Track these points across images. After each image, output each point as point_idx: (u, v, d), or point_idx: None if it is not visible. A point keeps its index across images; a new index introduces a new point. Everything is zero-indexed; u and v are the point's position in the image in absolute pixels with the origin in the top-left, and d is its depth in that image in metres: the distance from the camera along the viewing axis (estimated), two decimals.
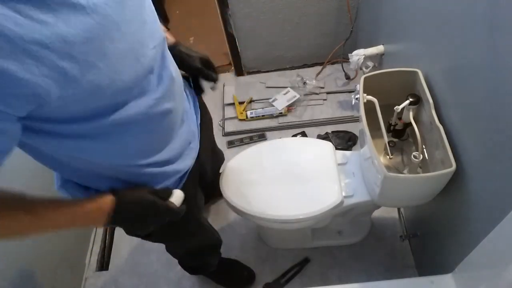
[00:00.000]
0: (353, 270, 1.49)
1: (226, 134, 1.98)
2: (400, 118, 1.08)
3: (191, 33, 2.46)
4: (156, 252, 1.61)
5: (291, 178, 1.22)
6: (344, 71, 2.05)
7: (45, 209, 0.60)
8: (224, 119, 2.02)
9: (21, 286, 1.24)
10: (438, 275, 0.88)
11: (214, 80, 0.94)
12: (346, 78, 2.05)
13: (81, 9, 0.48)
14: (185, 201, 0.78)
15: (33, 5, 0.43)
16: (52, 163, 0.66)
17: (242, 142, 1.92)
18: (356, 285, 0.90)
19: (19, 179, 1.24)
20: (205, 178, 1.19)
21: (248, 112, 2.00)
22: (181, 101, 0.78)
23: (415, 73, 1.05)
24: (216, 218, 1.69)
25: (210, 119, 1.18)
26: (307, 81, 2.03)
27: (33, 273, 1.31)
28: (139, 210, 0.71)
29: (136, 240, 1.62)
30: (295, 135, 1.90)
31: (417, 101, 1.02)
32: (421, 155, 1.00)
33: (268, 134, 1.95)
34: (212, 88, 0.94)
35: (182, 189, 0.85)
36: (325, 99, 2.00)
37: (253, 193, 1.20)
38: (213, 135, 1.27)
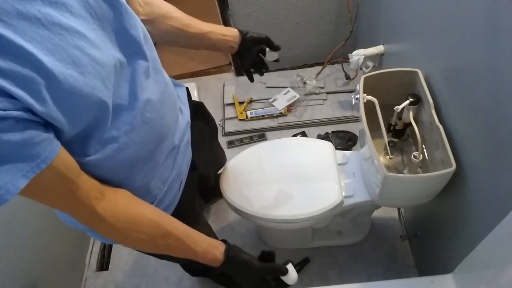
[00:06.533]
0: (353, 270, 1.49)
1: (226, 134, 1.98)
2: (400, 118, 1.08)
3: None
4: None
5: (291, 178, 1.22)
6: (344, 71, 2.05)
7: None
8: (224, 119, 2.02)
9: (21, 285, 1.24)
10: (438, 275, 0.88)
11: (279, 48, 0.99)
12: (346, 78, 2.05)
13: None
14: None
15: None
16: None
17: (242, 142, 1.92)
18: (356, 285, 0.90)
19: None
20: (209, 185, 1.19)
21: (248, 112, 2.00)
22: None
23: (415, 73, 1.05)
24: (216, 218, 1.69)
25: (215, 128, 1.19)
26: (307, 81, 2.03)
27: (33, 273, 1.31)
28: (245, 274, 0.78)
29: None
30: (295, 135, 1.90)
31: (417, 101, 1.02)
32: (421, 155, 0.99)
33: (268, 134, 1.95)
34: (276, 61, 1.02)
35: (180, 199, 0.85)
36: (325, 99, 2.00)
37: (253, 193, 1.20)
38: (216, 143, 1.26)
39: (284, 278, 0.80)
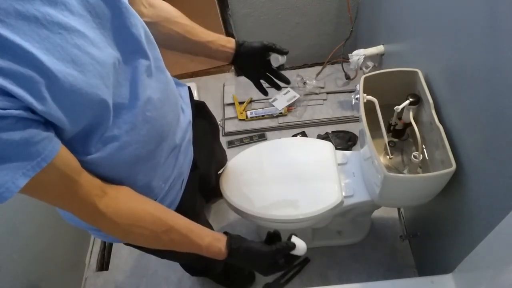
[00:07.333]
0: (353, 270, 1.49)
1: (226, 134, 1.98)
2: (400, 118, 1.08)
3: None
4: None
5: (291, 178, 1.22)
6: (344, 71, 2.05)
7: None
8: (224, 119, 2.02)
9: (21, 285, 1.24)
10: (438, 275, 0.88)
11: (286, 51, 0.91)
12: (346, 78, 2.05)
13: None
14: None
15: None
16: None
17: (242, 142, 1.92)
18: (356, 285, 0.89)
19: None
20: (210, 184, 1.19)
21: (248, 112, 2.00)
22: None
23: (415, 73, 1.05)
24: (216, 218, 1.69)
25: (216, 128, 1.19)
26: (307, 81, 2.03)
27: (33, 273, 1.31)
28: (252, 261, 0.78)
29: None
30: (295, 135, 1.90)
31: (417, 101, 1.02)
32: (421, 155, 0.99)
33: (268, 134, 1.95)
34: (281, 67, 0.95)
35: (181, 198, 0.86)
36: (325, 99, 2.00)
37: (253, 193, 1.20)
38: (217, 142, 1.26)
39: (293, 252, 0.79)
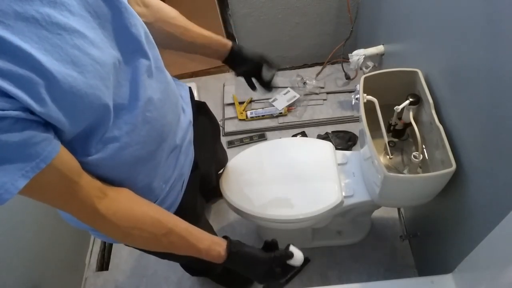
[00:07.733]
0: (353, 270, 1.49)
1: (226, 134, 1.98)
2: (400, 118, 1.08)
3: None
4: None
5: (291, 178, 1.22)
6: (344, 71, 2.05)
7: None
8: (224, 119, 2.02)
9: (21, 285, 1.24)
10: (438, 275, 0.88)
11: (277, 66, 0.98)
12: (346, 78, 2.05)
13: None
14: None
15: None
16: None
17: (242, 142, 1.93)
18: (356, 285, 0.90)
19: None
20: (210, 184, 1.20)
21: (248, 112, 2.00)
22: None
23: (415, 73, 1.05)
24: (217, 218, 1.69)
25: (217, 128, 1.19)
26: (307, 81, 2.03)
27: (33, 273, 1.31)
28: (249, 266, 0.79)
29: None
30: (295, 135, 1.90)
31: (417, 101, 1.02)
32: (421, 155, 0.99)
33: (268, 134, 1.95)
34: (270, 83, 1.02)
35: (182, 199, 0.86)
36: (325, 99, 2.00)
37: (253, 193, 1.20)
38: (218, 142, 1.27)
39: (290, 261, 0.80)
